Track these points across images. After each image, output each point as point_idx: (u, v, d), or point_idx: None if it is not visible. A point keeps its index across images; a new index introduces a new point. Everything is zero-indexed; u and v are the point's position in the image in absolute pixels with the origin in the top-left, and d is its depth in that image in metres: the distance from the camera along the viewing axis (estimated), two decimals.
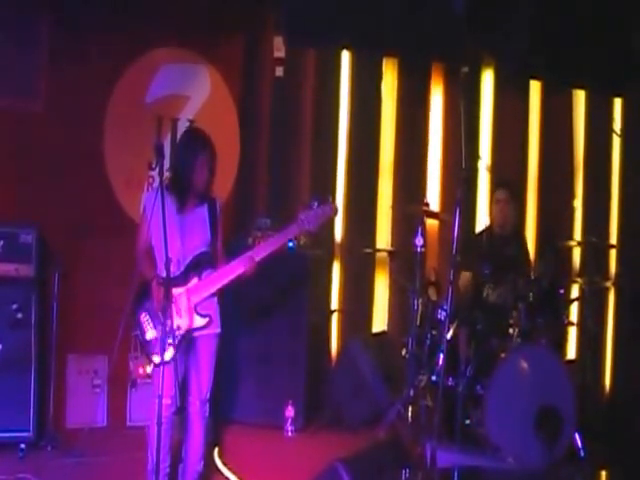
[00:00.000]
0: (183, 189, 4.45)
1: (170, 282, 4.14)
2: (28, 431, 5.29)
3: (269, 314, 6.00)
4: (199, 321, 4.41)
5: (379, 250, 6.91)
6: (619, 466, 5.13)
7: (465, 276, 5.83)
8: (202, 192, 4.51)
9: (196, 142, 4.55)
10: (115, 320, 4.46)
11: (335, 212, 4.72)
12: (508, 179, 6.71)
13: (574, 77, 7.33)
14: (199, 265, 4.45)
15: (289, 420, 5.85)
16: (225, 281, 4.46)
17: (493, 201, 6.03)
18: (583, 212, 7.55)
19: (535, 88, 7.48)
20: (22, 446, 5.21)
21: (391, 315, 7.04)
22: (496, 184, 6.27)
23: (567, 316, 5.98)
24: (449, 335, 5.46)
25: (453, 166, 7.02)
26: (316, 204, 4.54)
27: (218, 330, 4.55)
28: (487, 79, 7.35)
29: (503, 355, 5.38)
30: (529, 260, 6.13)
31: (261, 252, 4.50)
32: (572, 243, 6.67)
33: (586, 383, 6.04)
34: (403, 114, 7.12)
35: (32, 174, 5.77)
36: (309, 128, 6.83)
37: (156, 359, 4.31)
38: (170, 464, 4.52)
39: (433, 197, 7.08)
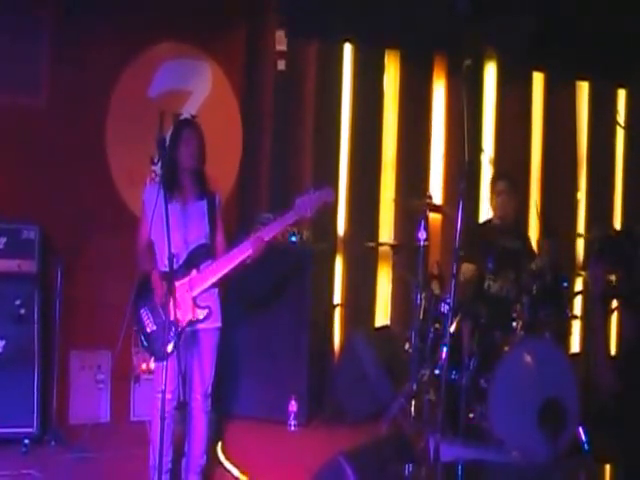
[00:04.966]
0: (172, 171, 4.44)
1: (173, 276, 4.14)
2: (31, 427, 5.30)
3: (272, 308, 6.00)
4: (199, 313, 4.41)
5: (382, 244, 6.90)
6: (623, 460, 5.11)
7: (467, 267, 5.81)
8: (192, 171, 4.51)
9: (178, 125, 4.69)
10: (118, 315, 4.47)
11: (332, 197, 4.70)
12: (507, 171, 6.68)
13: (577, 69, 7.31)
14: (198, 257, 4.45)
15: (292, 414, 5.85)
16: (227, 269, 4.45)
17: (493, 193, 6.02)
18: (586, 204, 7.53)
19: (538, 80, 7.46)
20: (26, 441, 5.22)
21: (394, 309, 7.04)
22: (495, 176, 6.24)
23: (571, 309, 5.96)
24: (452, 329, 5.44)
25: (456, 159, 7.01)
26: (312, 190, 4.54)
27: (219, 324, 4.56)
28: (490, 72, 7.32)
29: (506, 348, 5.38)
30: (532, 252, 6.12)
31: (266, 234, 4.50)
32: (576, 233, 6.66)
33: (590, 376, 6.03)
34: (405, 107, 7.11)
35: (34, 170, 5.76)
36: (311, 121, 6.82)
37: (156, 354, 4.31)
38: (173, 459, 4.52)
39: (436, 190, 7.07)
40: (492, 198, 6.07)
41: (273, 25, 6.56)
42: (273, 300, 6.00)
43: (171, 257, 4.08)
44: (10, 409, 5.24)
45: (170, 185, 4.36)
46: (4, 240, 5.32)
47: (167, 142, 4.43)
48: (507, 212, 5.95)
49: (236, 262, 4.46)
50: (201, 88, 6.29)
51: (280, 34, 6.53)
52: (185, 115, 6.16)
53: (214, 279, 4.46)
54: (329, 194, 4.62)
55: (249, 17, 6.50)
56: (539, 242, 6.07)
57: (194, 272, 4.43)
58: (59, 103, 5.84)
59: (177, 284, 4.34)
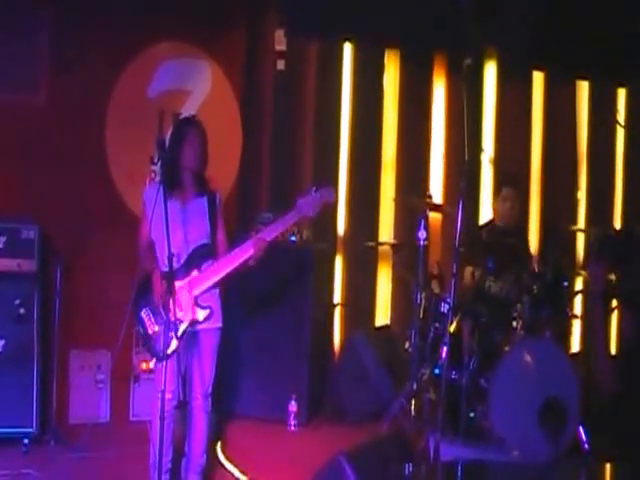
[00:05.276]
0: (173, 170, 4.45)
1: (173, 276, 4.13)
2: (31, 426, 5.30)
3: (272, 308, 5.99)
4: (200, 313, 4.41)
5: (382, 243, 6.90)
6: (624, 459, 5.11)
7: (468, 271, 5.80)
8: (195, 173, 4.51)
9: (182, 124, 4.68)
10: (118, 315, 4.47)
11: (334, 197, 4.72)
12: (513, 175, 6.65)
13: (577, 68, 7.30)
14: (199, 257, 4.45)
15: (292, 414, 5.84)
16: (229, 269, 4.45)
17: (499, 198, 5.98)
18: (587, 203, 7.52)
19: (538, 79, 7.45)
20: (25, 441, 5.22)
21: (394, 308, 7.03)
22: (502, 181, 6.20)
23: (571, 309, 5.96)
24: (452, 328, 5.43)
25: (456, 158, 7.00)
26: (314, 190, 4.54)
27: (220, 324, 4.56)
28: (490, 71, 7.31)
29: (507, 348, 5.37)
30: (529, 252, 6.13)
31: (267, 235, 4.50)
32: (576, 228, 6.65)
33: (590, 376, 6.02)
34: (405, 107, 7.10)
35: (34, 169, 5.75)
36: (311, 121, 6.81)
37: (158, 354, 4.30)
38: (172, 458, 4.52)
39: (436, 190, 7.06)
40: (496, 201, 6.05)
41: (273, 25, 6.56)
42: (273, 300, 5.99)
43: (170, 257, 4.08)
44: (10, 409, 5.24)
45: (171, 184, 4.37)
46: (4, 239, 5.31)
47: (168, 141, 4.45)
48: (512, 219, 5.94)
49: (238, 262, 4.46)
50: (201, 88, 6.29)
51: (280, 34, 6.53)
52: (185, 114, 6.16)
53: (215, 279, 4.46)
54: (330, 194, 4.63)
55: (249, 17, 6.50)
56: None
57: (195, 272, 4.43)
58: (59, 103, 5.84)
59: (178, 284, 4.34)
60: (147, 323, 4.41)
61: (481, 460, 4.87)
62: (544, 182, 7.44)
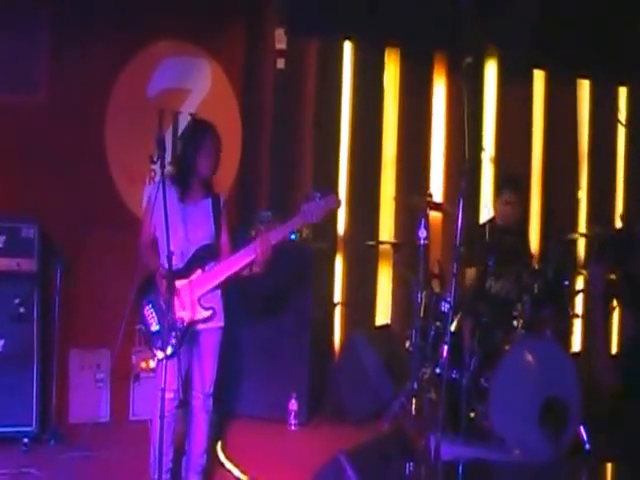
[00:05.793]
0: (187, 177, 4.47)
1: (173, 275, 4.13)
2: (31, 425, 5.29)
3: (272, 308, 5.99)
4: (202, 314, 4.41)
5: (382, 242, 6.90)
6: (624, 459, 5.10)
7: (470, 272, 5.79)
8: (206, 179, 4.53)
9: (199, 130, 4.63)
10: (118, 314, 4.46)
11: (339, 204, 4.73)
12: (515, 178, 6.58)
13: (578, 67, 7.29)
14: (203, 257, 4.45)
15: (292, 414, 5.84)
16: (233, 271, 4.45)
17: (500, 201, 5.95)
18: (588, 203, 7.52)
19: (539, 78, 7.44)
20: (25, 440, 5.21)
21: (394, 308, 7.02)
22: (503, 185, 6.13)
23: (572, 308, 5.95)
24: (453, 327, 5.43)
25: (456, 157, 6.99)
26: (319, 196, 4.55)
27: (222, 324, 4.55)
28: (490, 70, 7.30)
29: (507, 347, 5.37)
30: (530, 251, 6.12)
31: (272, 237, 4.50)
32: (577, 235, 6.64)
33: (591, 375, 6.02)
34: (406, 105, 7.09)
35: (34, 168, 5.74)
36: (311, 120, 6.80)
37: (160, 353, 4.30)
38: (173, 458, 4.52)
39: (436, 189, 7.05)
40: (496, 202, 6.04)
41: (273, 23, 6.55)
42: (273, 299, 5.99)
43: (170, 255, 4.08)
44: (10, 408, 5.23)
45: (181, 188, 4.41)
46: (3, 238, 5.30)
47: (180, 143, 4.46)
48: (512, 220, 5.92)
49: (242, 264, 4.45)
50: (200, 86, 6.28)
51: (280, 32, 6.52)
52: (184, 113, 6.16)
53: (219, 280, 4.46)
54: (335, 201, 4.65)
55: (249, 15, 6.49)
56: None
57: (199, 272, 4.43)
58: (59, 102, 5.82)
59: (181, 284, 4.35)
60: (150, 321, 4.41)
61: (482, 459, 4.86)
62: (545, 181, 7.43)
